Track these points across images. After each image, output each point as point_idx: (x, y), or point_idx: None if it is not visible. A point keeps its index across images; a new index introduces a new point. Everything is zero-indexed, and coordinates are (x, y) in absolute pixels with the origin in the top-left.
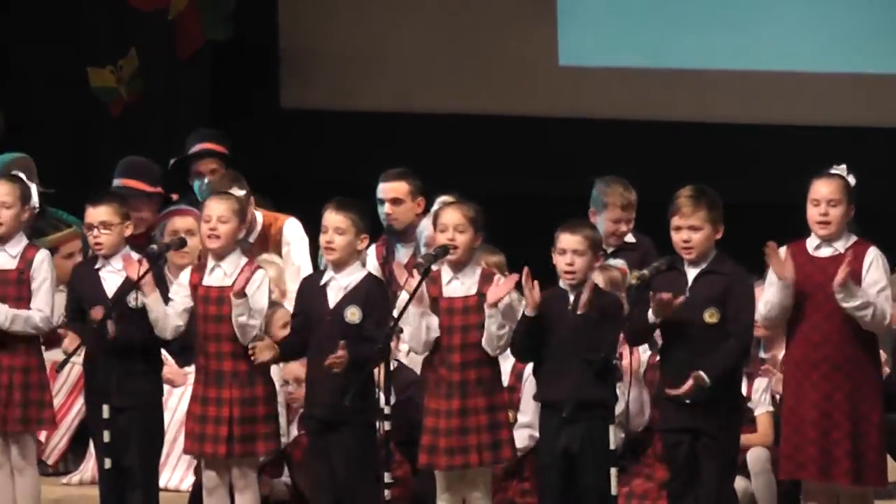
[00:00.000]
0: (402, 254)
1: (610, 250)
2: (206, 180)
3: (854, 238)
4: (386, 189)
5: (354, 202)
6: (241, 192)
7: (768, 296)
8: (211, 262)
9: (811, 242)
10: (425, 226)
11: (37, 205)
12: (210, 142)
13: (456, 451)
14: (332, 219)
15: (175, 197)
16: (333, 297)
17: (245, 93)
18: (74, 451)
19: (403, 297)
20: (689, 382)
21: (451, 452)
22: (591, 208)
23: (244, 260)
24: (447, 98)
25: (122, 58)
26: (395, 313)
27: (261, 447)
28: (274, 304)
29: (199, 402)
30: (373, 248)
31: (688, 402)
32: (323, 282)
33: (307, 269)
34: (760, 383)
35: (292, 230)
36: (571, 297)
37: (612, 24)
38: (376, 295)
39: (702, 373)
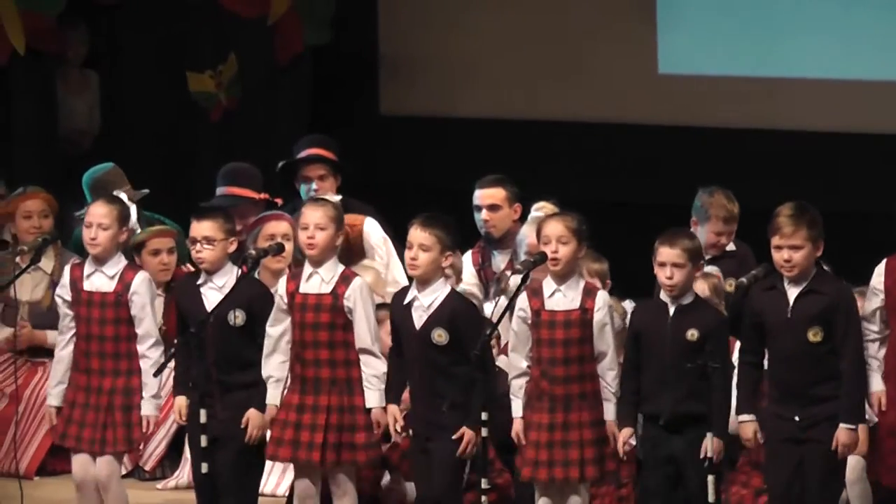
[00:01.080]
0: (499, 260)
1: (708, 257)
2: (313, 185)
3: None
4: (483, 195)
5: (441, 218)
6: (336, 199)
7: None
8: (308, 269)
9: None
10: (525, 233)
11: (136, 225)
12: (319, 147)
13: (558, 464)
14: (418, 235)
15: (280, 202)
16: (418, 319)
17: (344, 99)
18: (171, 458)
19: (502, 302)
20: (843, 441)
21: (552, 465)
22: (692, 217)
23: (341, 267)
24: (545, 105)
25: (221, 63)
26: (494, 319)
27: (361, 456)
28: (382, 307)
29: (294, 409)
30: (469, 254)
31: (797, 418)
32: (407, 301)
33: (399, 268)
34: None
35: (374, 232)
36: (672, 309)
37: (713, 32)
38: (461, 311)
39: (843, 426)
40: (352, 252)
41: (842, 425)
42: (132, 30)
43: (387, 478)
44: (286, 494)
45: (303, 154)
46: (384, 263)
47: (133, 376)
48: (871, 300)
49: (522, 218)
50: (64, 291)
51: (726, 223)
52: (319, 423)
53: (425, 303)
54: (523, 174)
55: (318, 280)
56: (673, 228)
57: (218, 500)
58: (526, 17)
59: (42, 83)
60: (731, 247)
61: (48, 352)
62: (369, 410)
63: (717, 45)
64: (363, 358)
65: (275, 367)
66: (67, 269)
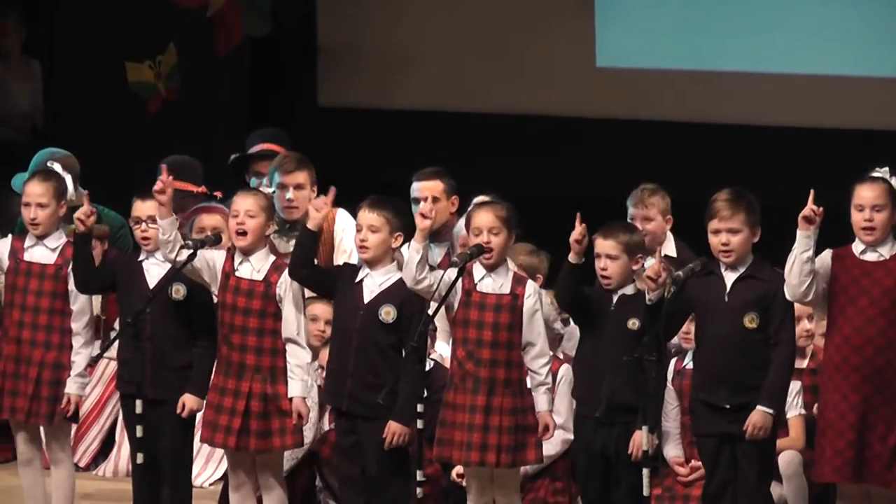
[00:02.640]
0: (436, 253)
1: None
2: (264, 180)
3: None
4: (421, 188)
5: (389, 200)
6: (269, 190)
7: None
8: (239, 257)
9: (857, 247)
10: (461, 227)
11: (73, 198)
12: (271, 142)
13: (475, 448)
14: (366, 217)
15: (219, 195)
16: (368, 294)
17: (284, 91)
18: (105, 454)
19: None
20: (755, 423)
21: (468, 448)
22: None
23: (273, 257)
24: (484, 97)
25: (161, 53)
26: (430, 311)
27: (277, 442)
28: (309, 299)
29: (217, 391)
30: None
31: (727, 406)
32: (358, 278)
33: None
34: (793, 387)
35: (345, 220)
36: (614, 299)
37: (650, 26)
38: (412, 295)
39: (760, 408)
40: (322, 242)
41: (759, 407)
42: (71, 18)
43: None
44: (207, 485)
45: (255, 149)
46: (344, 250)
47: (64, 352)
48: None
49: (460, 210)
50: (2, 259)
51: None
52: (239, 409)
53: (377, 280)
54: (461, 166)
55: (249, 268)
56: (612, 221)
57: (158, 491)
58: (465, 9)
59: None
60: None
61: None
62: (291, 399)
63: (654, 39)
64: (289, 347)
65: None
66: (8, 239)
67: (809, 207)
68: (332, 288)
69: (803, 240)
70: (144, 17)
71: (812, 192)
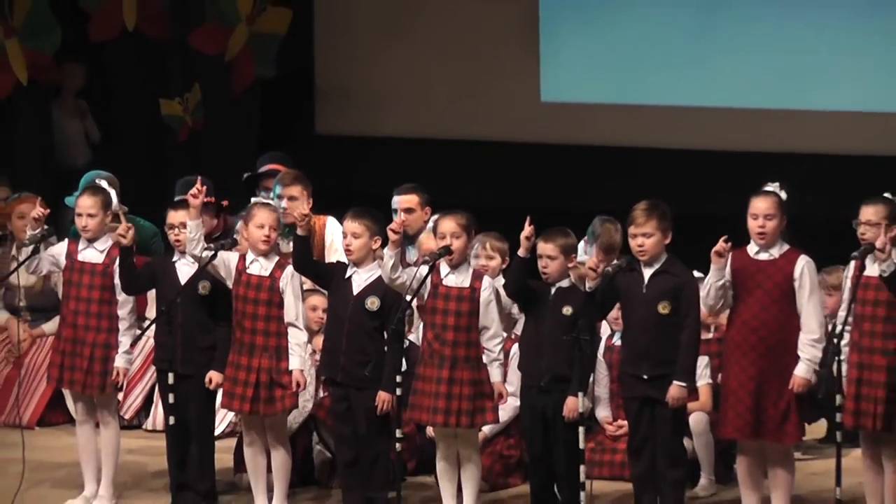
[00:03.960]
0: (412, 253)
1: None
2: (271, 193)
3: (787, 246)
4: (400, 200)
5: (368, 210)
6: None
7: (710, 281)
8: (251, 256)
9: (751, 249)
10: (422, 240)
11: (116, 210)
12: (277, 163)
13: (440, 412)
14: (350, 226)
15: (226, 203)
16: (357, 287)
17: (287, 121)
18: (147, 410)
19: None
20: (673, 395)
21: (435, 412)
22: (585, 237)
23: (277, 257)
24: (449, 126)
25: (188, 92)
26: (408, 298)
27: (279, 406)
28: (307, 291)
29: (233, 367)
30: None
31: (646, 376)
32: (347, 275)
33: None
34: (702, 360)
35: (333, 226)
36: (553, 290)
37: (586, 67)
38: (391, 289)
39: (676, 383)
40: (314, 244)
41: (675, 382)
42: (118, 64)
43: (317, 443)
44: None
45: (264, 168)
46: (335, 250)
47: (112, 334)
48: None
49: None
50: (60, 259)
51: (607, 252)
52: (251, 381)
53: (363, 277)
54: (431, 182)
55: (258, 266)
56: (552, 227)
57: (188, 448)
58: (434, 55)
59: (40, 108)
60: None
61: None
62: (291, 371)
63: (589, 77)
64: (290, 330)
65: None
66: (65, 243)
67: (720, 245)
68: (328, 280)
69: (716, 272)
70: (175, 62)
71: (723, 238)
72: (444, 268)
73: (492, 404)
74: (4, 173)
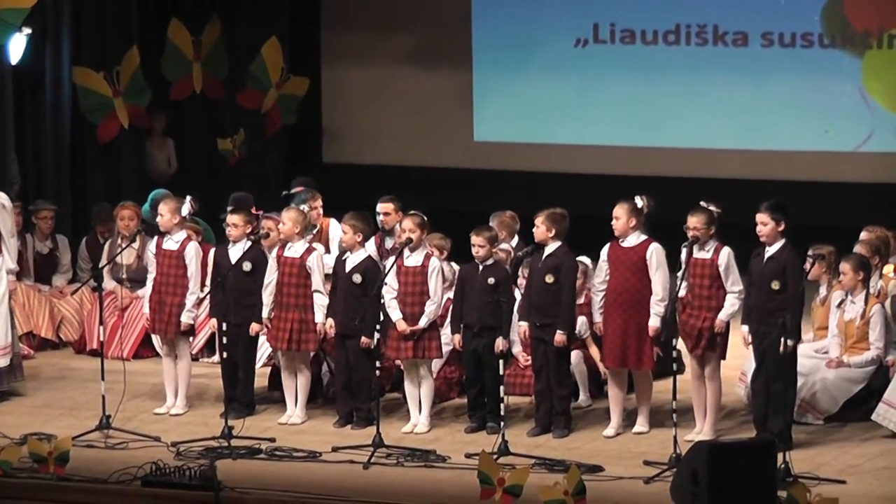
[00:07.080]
0: (388, 242)
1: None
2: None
3: (644, 237)
4: (383, 207)
5: (358, 214)
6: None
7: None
8: (290, 244)
9: (621, 241)
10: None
11: (187, 213)
12: (303, 184)
13: (403, 350)
14: (344, 225)
15: (261, 213)
16: (349, 267)
17: (303, 152)
18: (211, 348)
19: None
20: (556, 340)
21: (400, 350)
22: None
23: (307, 244)
24: (409, 156)
25: (236, 133)
26: (384, 273)
27: (306, 346)
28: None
29: (278, 318)
30: (372, 239)
31: (539, 324)
32: (343, 258)
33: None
34: (581, 320)
35: (335, 226)
36: (480, 268)
37: (510, 114)
38: (371, 267)
39: (559, 331)
40: (321, 239)
41: (558, 330)
42: (188, 113)
43: (325, 370)
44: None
45: (295, 190)
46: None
47: (183, 298)
48: (600, 268)
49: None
50: (152, 249)
51: (511, 235)
52: (287, 328)
53: (353, 260)
54: (403, 195)
55: (294, 250)
56: (481, 225)
57: (236, 373)
58: (402, 107)
59: (137, 145)
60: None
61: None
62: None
63: (512, 121)
64: (315, 295)
65: (267, 295)
66: (154, 238)
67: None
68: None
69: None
70: (227, 113)
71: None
72: (407, 253)
73: (437, 345)
74: (130, 199)
